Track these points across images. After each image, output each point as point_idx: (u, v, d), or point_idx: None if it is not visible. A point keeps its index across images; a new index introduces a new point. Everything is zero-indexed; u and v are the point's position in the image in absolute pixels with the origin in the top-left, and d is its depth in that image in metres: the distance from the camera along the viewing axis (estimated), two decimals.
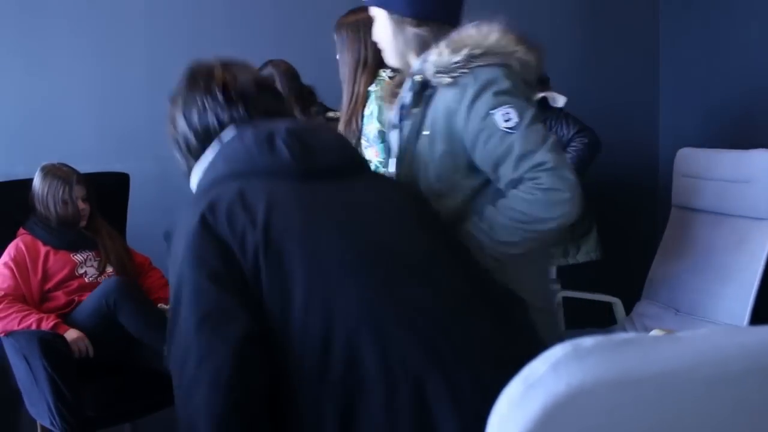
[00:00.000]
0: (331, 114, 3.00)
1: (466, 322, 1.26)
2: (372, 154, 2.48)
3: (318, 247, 1.23)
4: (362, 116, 2.52)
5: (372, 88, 2.52)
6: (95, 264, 2.86)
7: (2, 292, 2.63)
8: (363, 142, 2.53)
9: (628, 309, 3.18)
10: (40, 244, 2.79)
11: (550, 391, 0.66)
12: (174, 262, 1.26)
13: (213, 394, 1.12)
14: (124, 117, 4.38)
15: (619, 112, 3.93)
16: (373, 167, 2.32)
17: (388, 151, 2.05)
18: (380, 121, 2.41)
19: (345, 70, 2.60)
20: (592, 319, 3.17)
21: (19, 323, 2.55)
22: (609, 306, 3.24)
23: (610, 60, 3.92)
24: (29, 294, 2.69)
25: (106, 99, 4.44)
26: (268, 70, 3.12)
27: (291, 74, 3.13)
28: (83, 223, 2.88)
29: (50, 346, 2.45)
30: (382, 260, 1.26)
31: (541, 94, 2.50)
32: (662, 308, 3.03)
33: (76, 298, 2.75)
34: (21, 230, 2.84)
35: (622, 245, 3.97)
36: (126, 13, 4.36)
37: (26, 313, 2.58)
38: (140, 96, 4.18)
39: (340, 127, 2.60)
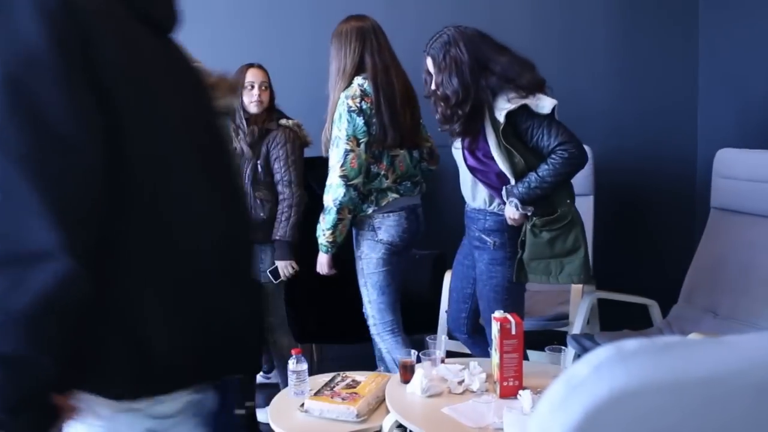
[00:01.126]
0: (283, 121, 3.15)
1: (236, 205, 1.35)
2: (331, 157, 2.74)
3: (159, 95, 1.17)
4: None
5: (343, 93, 2.69)
6: None
7: None
8: (331, 144, 2.74)
9: (665, 312, 3.13)
10: None
11: (593, 394, 0.65)
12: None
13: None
14: None
15: (657, 114, 3.87)
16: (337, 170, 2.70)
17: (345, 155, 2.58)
18: (339, 126, 2.68)
19: (330, 78, 2.80)
20: (627, 322, 3.12)
21: None
22: (645, 308, 3.19)
23: (647, 60, 3.86)
24: None
25: None
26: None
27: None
28: None
29: None
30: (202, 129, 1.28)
31: (522, 102, 2.46)
32: (700, 311, 2.97)
33: None
34: None
35: (659, 247, 3.91)
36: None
37: None
38: None
39: (324, 136, 2.85)
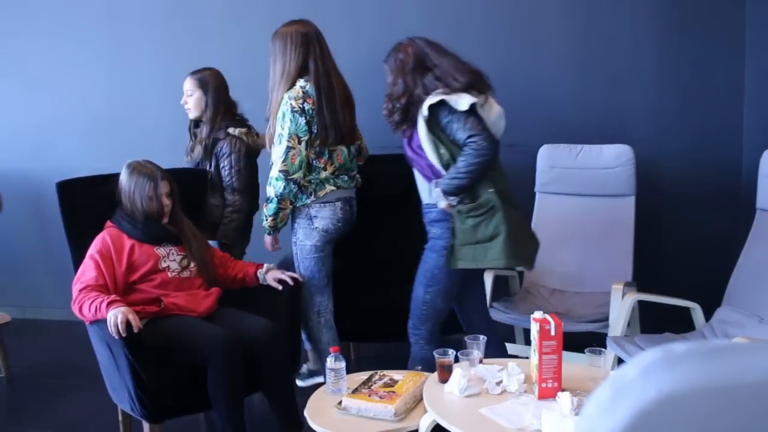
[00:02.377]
0: (231, 130, 3.35)
1: None
2: (273, 152, 2.95)
3: None
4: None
5: (286, 94, 2.92)
6: (177, 258, 2.93)
7: (84, 284, 2.72)
8: (274, 141, 2.96)
9: (708, 315, 3.07)
10: (125, 237, 2.87)
11: (640, 397, 0.64)
12: None
13: None
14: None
15: (701, 113, 3.80)
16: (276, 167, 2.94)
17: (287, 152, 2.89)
18: (282, 125, 2.90)
19: (272, 77, 3.00)
20: (668, 325, 3.08)
21: (89, 308, 2.63)
22: (687, 311, 3.14)
23: (691, 58, 3.79)
24: (113, 285, 2.77)
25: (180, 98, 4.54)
26: (205, 78, 3.37)
27: (223, 85, 3.41)
28: (166, 219, 2.96)
29: (132, 335, 2.52)
30: None
31: (440, 98, 2.64)
32: (745, 315, 2.91)
33: (163, 297, 2.82)
34: (108, 223, 2.93)
35: (701, 249, 3.84)
36: (199, 19, 4.45)
37: (95, 298, 2.64)
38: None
39: (267, 133, 3.04)
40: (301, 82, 2.96)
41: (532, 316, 2.28)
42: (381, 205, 3.92)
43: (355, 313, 3.48)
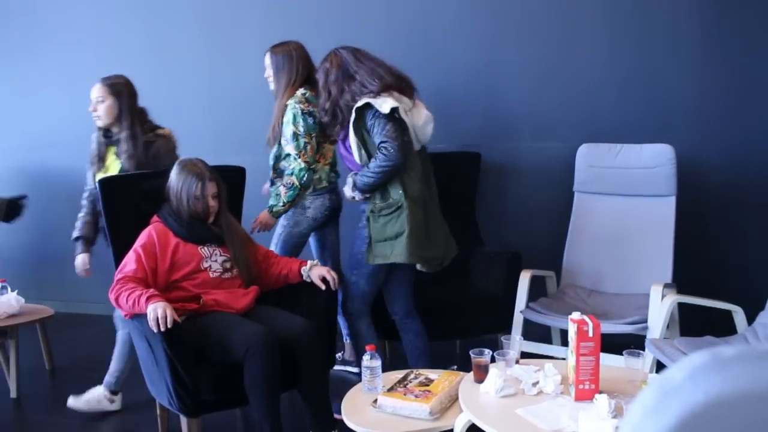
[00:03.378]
0: (160, 131, 3.44)
1: None
2: (290, 149, 3.26)
3: None
4: (282, 122, 3.29)
5: (290, 101, 3.27)
6: (220, 260, 2.95)
7: (123, 275, 2.76)
8: (282, 140, 3.30)
9: (751, 318, 3.00)
10: (171, 234, 2.90)
11: (687, 400, 0.62)
12: None
13: None
14: (240, 113, 4.53)
15: (745, 111, 3.72)
16: (292, 159, 3.26)
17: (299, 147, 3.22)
18: (294, 125, 3.23)
19: (278, 87, 3.36)
20: (709, 328, 3.01)
21: (126, 299, 2.66)
22: (728, 314, 3.07)
23: (735, 54, 3.70)
24: (152, 280, 2.80)
25: (221, 97, 4.60)
26: (117, 85, 3.35)
27: (134, 92, 3.42)
28: (211, 220, 2.97)
29: (171, 331, 2.54)
30: None
31: (366, 100, 2.87)
32: None
33: (203, 294, 2.84)
34: (155, 218, 2.96)
35: (745, 251, 3.76)
36: (239, 17, 4.48)
37: (132, 290, 2.67)
38: (254, 94, 4.30)
39: (269, 133, 3.38)
40: (302, 90, 3.30)
41: (569, 317, 2.26)
42: None
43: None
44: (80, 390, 3.36)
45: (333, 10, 4.27)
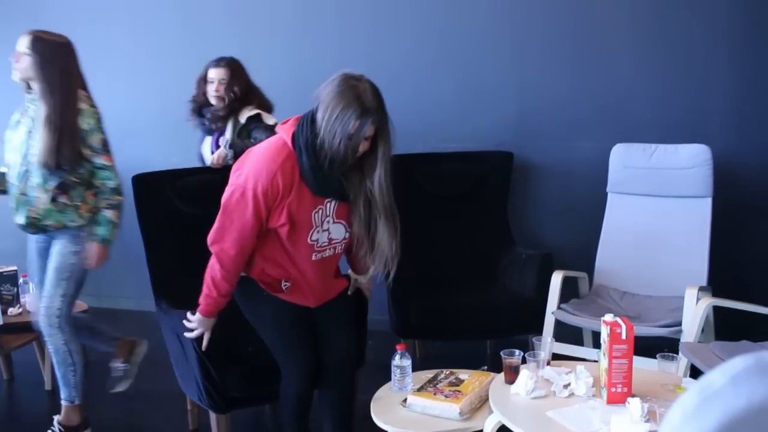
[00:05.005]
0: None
1: None
2: (104, 159, 2.87)
3: None
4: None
5: (82, 105, 2.84)
6: (333, 228, 2.49)
7: (218, 247, 2.42)
8: (87, 152, 2.83)
9: None
10: (297, 177, 2.34)
11: (729, 405, 0.61)
12: None
13: None
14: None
15: None
16: (104, 172, 2.86)
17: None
18: (101, 131, 2.87)
19: (48, 86, 2.80)
20: (745, 332, 2.96)
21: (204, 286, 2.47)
22: (765, 319, 3.02)
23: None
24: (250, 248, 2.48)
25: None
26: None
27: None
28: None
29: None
30: None
31: (257, 111, 3.35)
32: None
33: (292, 275, 2.52)
34: (283, 141, 2.39)
35: None
36: (272, 14, 4.49)
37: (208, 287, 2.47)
38: (286, 84, 4.31)
39: (43, 155, 2.78)
40: (84, 93, 2.92)
41: (602, 318, 2.23)
42: (447, 204, 3.91)
43: (420, 311, 3.46)
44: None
45: (359, 10, 4.26)
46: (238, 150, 3.25)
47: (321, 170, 2.30)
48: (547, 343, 2.49)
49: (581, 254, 3.71)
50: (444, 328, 3.53)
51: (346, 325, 2.67)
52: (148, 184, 3.09)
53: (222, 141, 3.44)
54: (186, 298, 2.88)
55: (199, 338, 2.53)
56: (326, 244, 2.47)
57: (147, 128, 4.79)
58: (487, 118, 4.09)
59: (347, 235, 2.50)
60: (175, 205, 3.07)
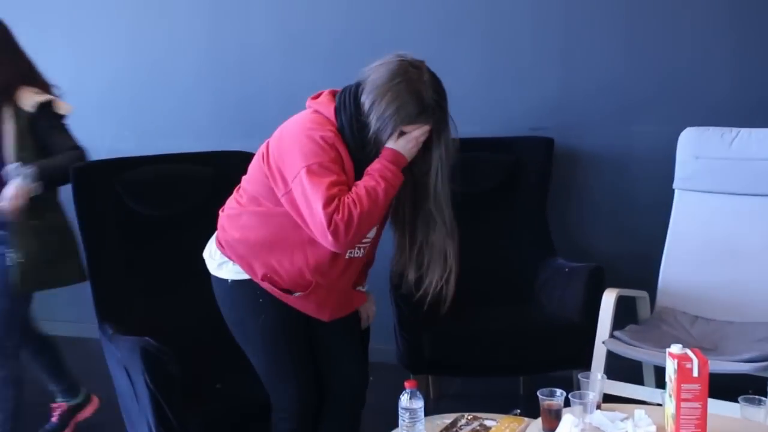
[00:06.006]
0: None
1: None
2: None
3: None
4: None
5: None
6: None
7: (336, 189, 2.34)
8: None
9: None
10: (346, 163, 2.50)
11: None
12: None
13: None
14: (249, 89, 4.54)
15: None
16: None
17: None
18: None
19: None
20: None
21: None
22: None
23: None
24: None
25: (226, 68, 4.61)
26: None
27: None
28: None
29: (156, 359, 2.55)
30: None
31: (47, 97, 3.14)
32: None
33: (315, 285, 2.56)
34: (330, 126, 2.49)
35: None
36: None
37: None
38: (266, 65, 4.32)
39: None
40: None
41: (667, 350, 2.22)
42: (469, 203, 3.90)
43: (437, 339, 3.45)
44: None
45: None
46: (47, 175, 3.05)
47: (365, 154, 2.42)
48: (596, 380, 2.48)
49: (640, 268, 3.71)
50: (465, 360, 3.52)
51: (358, 350, 2.74)
52: (90, 177, 3.08)
53: (9, 168, 3.03)
54: (138, 322, 2.87)
55: (157, 371, 2.53)
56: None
57: (90, 107, 4.78)
58: (522, 95, 4.10)
59: (373, 235, 2.59)
60: (126, 204, 3.07)
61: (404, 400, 2.55)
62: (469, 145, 3.93)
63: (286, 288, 2.52)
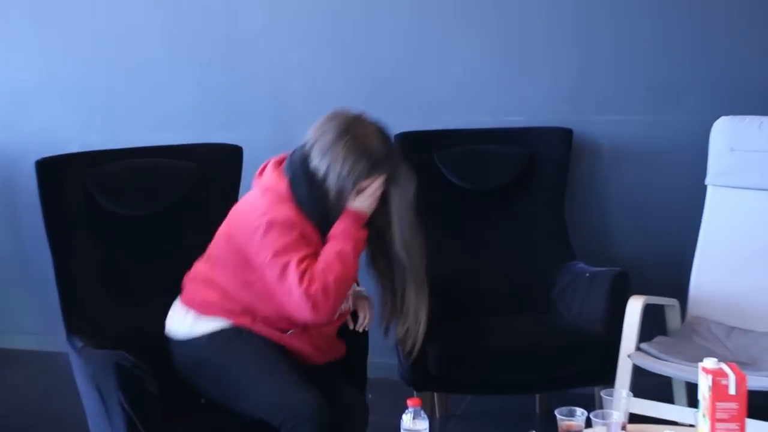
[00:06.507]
0: None
1: None
2: None
3: None
4: None
5: None
6: None
7: (300, 255, 2.63)
8: None
9: None
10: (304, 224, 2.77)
11: None
12: None
13: None
14: (233, 74, 4.53)
15: None
16: None
17: None
18: None
19: None
20: None
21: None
22: None
23: None
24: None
25: (209, 52, 4.59)
26: None
27: None
28: None
29: (131, 375, 2.54)
30: None
31: None
32: None
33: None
34: (285, 189, 2.77)
35: None
36: None
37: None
38: (254, 48, 4.31)
39: None
40: None
41: (700, 365, 2.22)
42: (479, 201, 3.90)
43: (442, 353, 3.45)
44: None
45: None
46: None
47: (329, 222, 2.70)
48: (621, 398, 2.48)
49: (669, 273, 3.72)
50: (475, 376, 3.51)
51: (355, 376, 2.89)
52: (57, 172, 3.07)
53: None
54: (111, 334, 2.86)
55: (132, 389, 2.54)
56: None
57: (55, 93, 4.79)
58: (538, 81, 4.10)
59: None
60: (97, 202, 3.06)
61: (407, 420, 2.55)
62: (479, 137, 3.98)
63: (279, 327, 2.70)
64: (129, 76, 4.66)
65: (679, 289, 3.59)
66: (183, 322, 2.78)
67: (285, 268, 2.56)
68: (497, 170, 3.93)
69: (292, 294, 2.55)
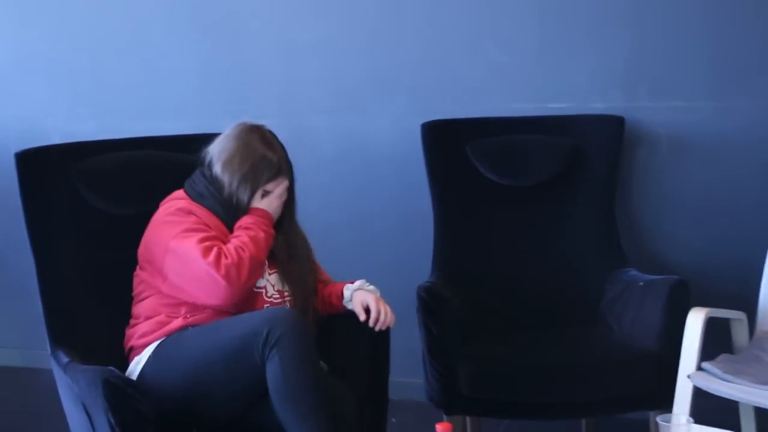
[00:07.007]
0: None
1: None
2: None
3: None
4: None
5: None
6: (273, 279, 2.99)
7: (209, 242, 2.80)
8: None
9: None
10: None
11: None
12: None
13: None
14: (240, 55, 4.54)
15: None
16: None
17: None
18: None
19: None
20: None
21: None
22: None
23: None
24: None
25: (210, 30, 4.61)
26: None
27: None
28: None
29: (122, 394, 2.54)
30: None
31: None
32: None
33: None
34: (181, 197, 3.01)
35: None
36: None
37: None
38: (252, 25, 4.32)
39: None
40: None
41: None
42: (518, 198, 3.89)
43: (476, 371, 3.43)
44: None
45: None
46: None
47: (236, 214, 2.96)
48: (680, 425, 2.47)
49: (736, 282, 3.71)
50: (512, 398, 3.49)
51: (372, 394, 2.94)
52: (40, 166, 3.09)
53: None
54: (99, 347, 2.87)
55: (123, 409, 2.53)
56: (278, 296, 3.00)
57: (37, 78, 4.81)
58: (584, 63, 4.09)
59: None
60: (84, 200, 3.08)
61: None
62: (517, 126, 3.96)
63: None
64: (120, 58, 4.67)
65: (747, 301, 3.56)
66: (139, 363, 2.81)
67: (188, 246, 2.77)
68: (538, 164, 3.92)
69: (200, 269, 2.72)
